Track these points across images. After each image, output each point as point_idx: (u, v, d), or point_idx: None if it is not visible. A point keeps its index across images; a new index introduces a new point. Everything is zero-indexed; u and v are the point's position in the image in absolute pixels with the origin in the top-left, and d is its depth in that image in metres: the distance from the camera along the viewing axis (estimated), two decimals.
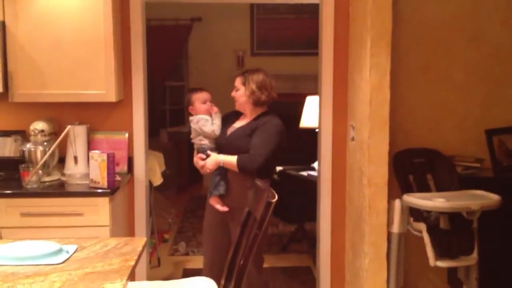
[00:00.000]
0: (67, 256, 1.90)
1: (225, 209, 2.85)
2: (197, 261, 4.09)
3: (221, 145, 2.90)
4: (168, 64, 7.02)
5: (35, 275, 1.74)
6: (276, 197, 1.98)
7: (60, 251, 1.91)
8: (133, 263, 1.85)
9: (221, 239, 2.93)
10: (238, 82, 2.90)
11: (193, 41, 7.22)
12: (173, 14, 6.83)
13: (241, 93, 2.87)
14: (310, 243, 4.42)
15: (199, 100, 2.98)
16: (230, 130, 2.92)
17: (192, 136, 2.99)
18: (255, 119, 2.87)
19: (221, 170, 2.85)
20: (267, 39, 7.13)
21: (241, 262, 1.96)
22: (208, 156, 2.87)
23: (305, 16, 6.88)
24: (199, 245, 4.55)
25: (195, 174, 6.28)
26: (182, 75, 7.36)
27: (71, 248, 1.97)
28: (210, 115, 2.96)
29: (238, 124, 2.93)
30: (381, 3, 2.85)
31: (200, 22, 7.06)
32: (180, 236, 4.93)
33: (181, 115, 7.28)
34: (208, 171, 2.87)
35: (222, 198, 2.87)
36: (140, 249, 1.98)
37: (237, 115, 2.98)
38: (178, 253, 4.52)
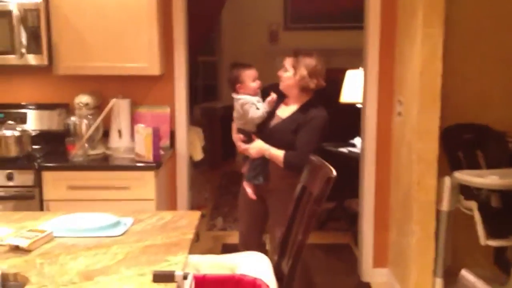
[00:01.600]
0: (125, 228, 1.88)
1: (253, 197, 2.78)
2: (235, 236, 4.02)
3: (263, 133, 2.73)
4: (202, 38, 6.92)
5: (96, 247, 1.73)
6: (335, 172, 1.92)
7: (118, 223, 1.89)
8: (191, 236, 1.83)
9: (257, 217, 2.87)
10: (288, 63, 2.70)
11: (226, 14, 7.10)
12: None
13: (289, 76, 2.68)
14: (349, 220, 4.36)
15: (250, 77, 2.76)
16: (274, 121, 2.73)
17: (234, 115, 2.82)
18: (301, 110, 2.68)
19: (264, 160, 2.70)
20: (302, 13, 6.97)
21: (300, 237, 1.92)
22: (251, 140, 2.73)
23: None
24: (236, 221, 4.53)
25: (228, 150, 6.27)
26: (214, 49, 7.27)
27: (128, 220, 1.95)
28: (258, 94, 2.79)
29: (282, 112, 2.74)
30: None
31: None
32: (216, 212, 4.93)
33: (214, 90, 7.22)
34: (249, 155, 2.75)
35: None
36: (196, 222, 1.96)
37: (280, 97, 2.78)
38: (216, 228, 4.52)
